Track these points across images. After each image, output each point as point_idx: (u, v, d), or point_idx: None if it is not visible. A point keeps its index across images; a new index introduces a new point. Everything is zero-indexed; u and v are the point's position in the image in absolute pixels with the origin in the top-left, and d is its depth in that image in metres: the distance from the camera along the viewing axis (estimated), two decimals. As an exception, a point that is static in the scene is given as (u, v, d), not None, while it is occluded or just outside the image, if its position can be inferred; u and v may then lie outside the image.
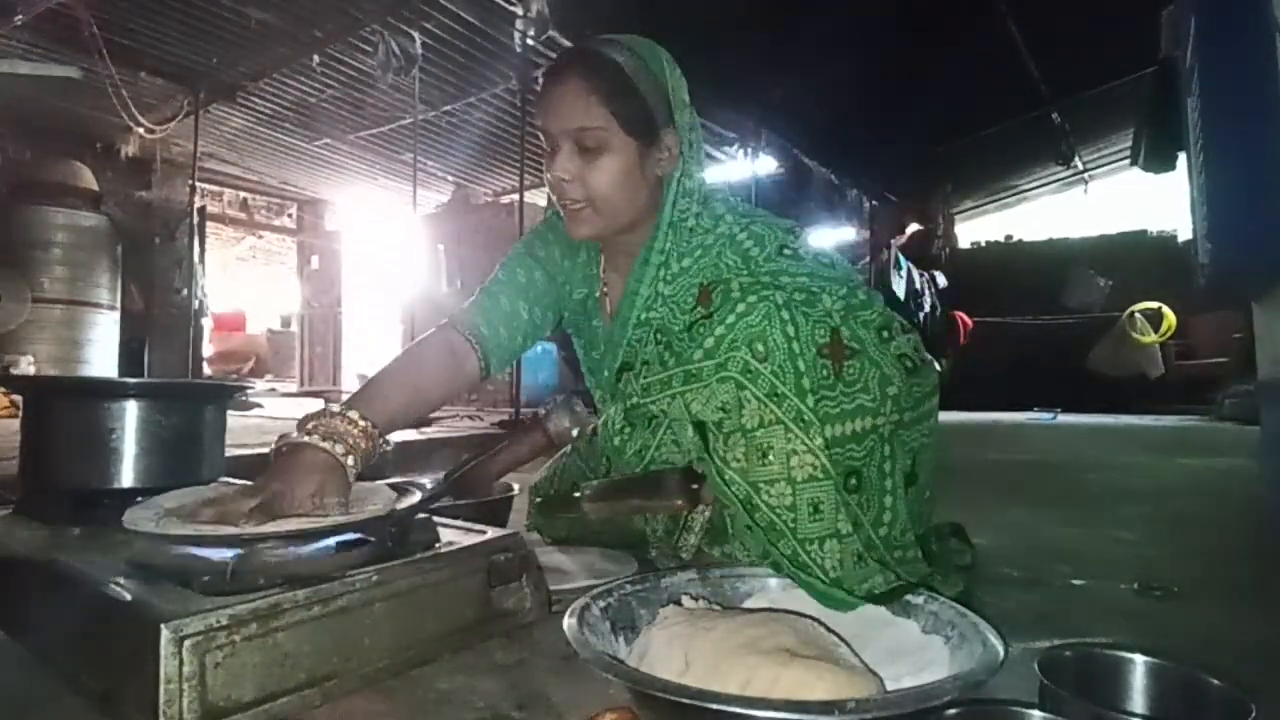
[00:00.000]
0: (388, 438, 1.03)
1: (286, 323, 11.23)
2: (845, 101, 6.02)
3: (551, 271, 1.25)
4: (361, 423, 0.96)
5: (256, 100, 6.05)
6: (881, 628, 0.80)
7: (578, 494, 1.02)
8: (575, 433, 1.25)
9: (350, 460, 0.94)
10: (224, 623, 0.67)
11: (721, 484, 0.89)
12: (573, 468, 1.37)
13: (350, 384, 9.31)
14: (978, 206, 10.77)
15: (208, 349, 8.36)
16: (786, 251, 1.08)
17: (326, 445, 0.92)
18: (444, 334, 1.17)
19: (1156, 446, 3.79)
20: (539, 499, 1.39)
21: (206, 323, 9.00)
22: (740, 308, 0.91)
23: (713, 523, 1.09)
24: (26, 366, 5.11)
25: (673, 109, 1.10)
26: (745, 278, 1.01)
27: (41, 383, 1.57)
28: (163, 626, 0.64)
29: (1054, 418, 6.19)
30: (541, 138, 1.11)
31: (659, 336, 1.10)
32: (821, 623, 0.77)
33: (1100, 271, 8.37)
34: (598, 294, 1.24)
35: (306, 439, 0.93)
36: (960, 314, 8.48)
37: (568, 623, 0.71)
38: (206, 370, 8.15)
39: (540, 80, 1.13)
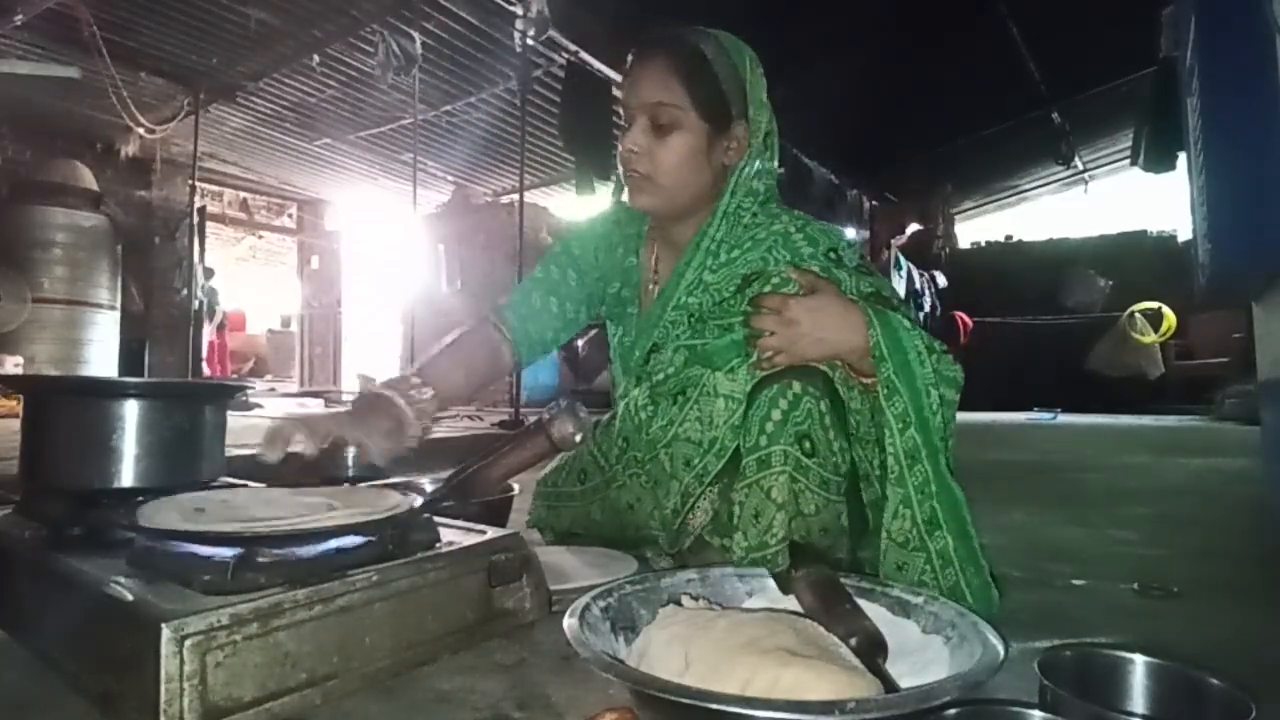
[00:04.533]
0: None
1: (286, 323, 11.24)
2: (845, 102, 6.02)
3: (585, 269, 1.28)
4: (429, 393, 1.06)
5: (256, 100, 6.05)
6: (881, 628, 0.80)
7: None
8: (578, 438, 1.25)
9: (416, 420, 1.03)
10: (225, 622, 0.67)
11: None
12: (584, 457, 1.38)
13: (350, 384, 9.32)
14: (978, 206, 10.77)
15: (205, 349, 8.31)
16: (833, 255, 1.10)
17: (402, 402, 1.02)
18: (483, 326, 1.23)
19: (1156, 446, 3.79)
20: (546, 490, 1.42)
21: (219, 319, 8.99)
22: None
23: (718, 512, 1.09)
24: (13, 367, 5.08)
25: (748, 103, 1.13)
26: (785, 269, 1.07)
27: (41, 383, 1.57)
28: (163, 626, 0.64)
29: (1054, 418, 6.19)
30: (622, 111, 1.16)
31: (693, 320, 1.15)
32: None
33: (1100, 271, 8.38)
34: (636, 283, 1.28)
35: (387, 391, 1.03)
36: (960, 314, 8.48)
37: (568, 623, 0.71)
38: (206, 371, 8.14)
39: (628, 59, 1.16)
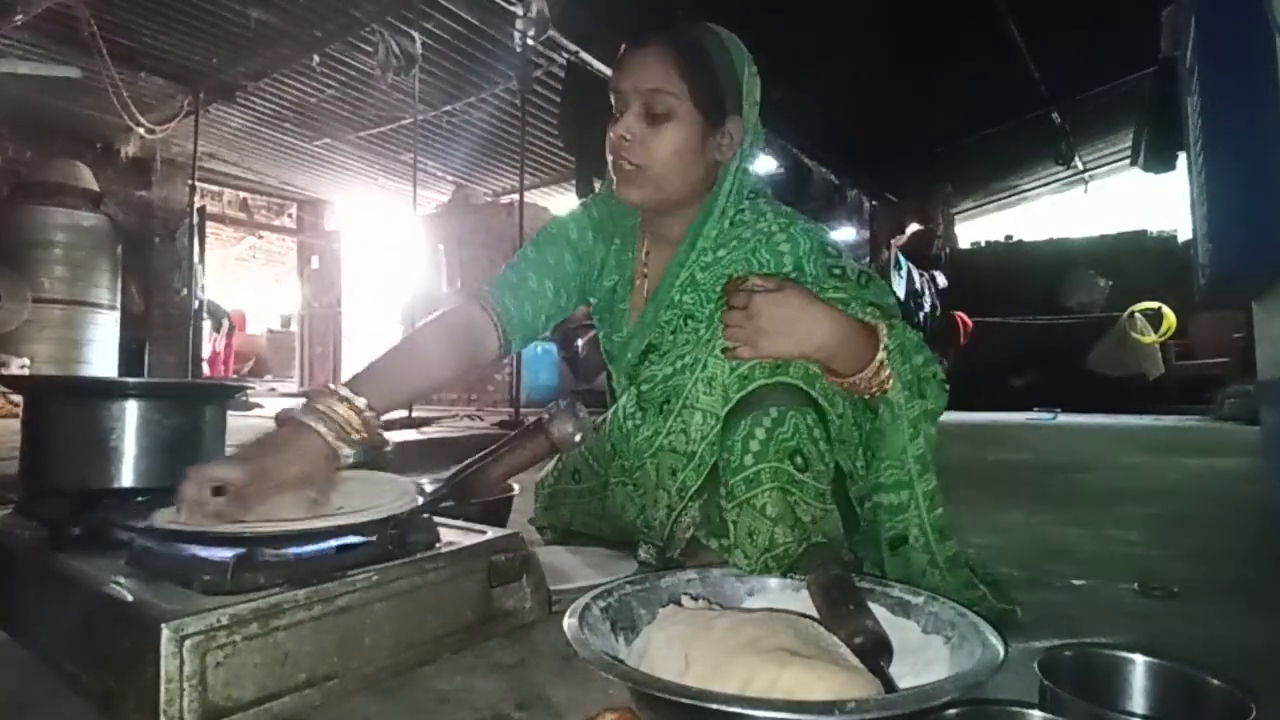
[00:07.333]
0: (388, 439, 1.00)
1: (286, 323, 11.24)
2: (845, 102, 6.02)
3: (583, 255, 1.24)
4: (366, 412, 0.91)
5: (256, 100, 6.04)
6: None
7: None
8: (578, 438, 1.25)
9: (344, 449, 0.89)
10: (225, 622, 0.67)
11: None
12: (576, 458, 1.38)
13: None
14: (978, 206, 10.77)
15: (206, 349, 8.31)
16: (832, 266, 1.07)
17: (325, 432, 0.87)
18: (467, 309, 1.12)
19: (1156, 446, 3.79)
20: (545, 490, 1.42)
21: (226, 327, 9.02)
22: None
23: (709, 516, 1.08)
24: (18, 368, 5.08)
25: (743, 100, 1.12)
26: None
27: (41, 383, 1.57)
28: (163, 626, 0.64)
29: (1054, 418, 6.18)
30: (612, 98, 1.12)
31: (688, 322, 1.13)
32: (821, 622, 0.76)
33: (1100, 271, 8.38)
34: (630, 278, 1.24)
35: (307, 420, 0.87)
36: (960, 314, 8.48)
37: (568, 623, 0.71)
38: (207, 371, 8.13)
39: (623, 46, 1.13)
